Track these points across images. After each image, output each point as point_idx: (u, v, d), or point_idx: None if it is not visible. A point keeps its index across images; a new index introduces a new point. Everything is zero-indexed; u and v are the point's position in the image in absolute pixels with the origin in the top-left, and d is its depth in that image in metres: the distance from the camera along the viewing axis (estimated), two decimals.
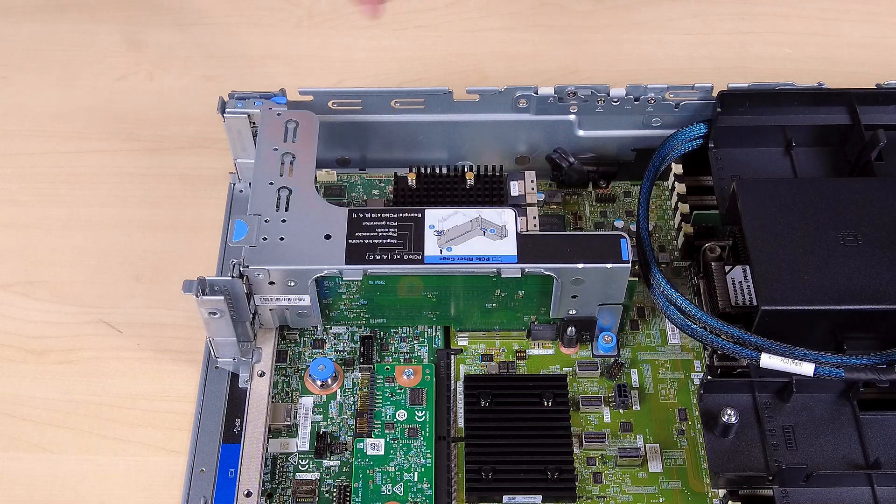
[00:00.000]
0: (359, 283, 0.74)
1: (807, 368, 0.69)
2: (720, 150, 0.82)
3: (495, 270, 0.72)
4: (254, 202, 0.75)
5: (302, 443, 0.75)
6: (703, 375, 0.73)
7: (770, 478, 0.68)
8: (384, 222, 0.74)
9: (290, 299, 0.75)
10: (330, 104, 0.82)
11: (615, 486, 0.73)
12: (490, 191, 0.83)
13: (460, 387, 0.77)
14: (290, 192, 0.75)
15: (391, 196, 0.85)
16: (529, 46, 1.00)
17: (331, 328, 0.80)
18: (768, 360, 0.69)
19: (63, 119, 0.94)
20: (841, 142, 0.82)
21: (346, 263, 0.72)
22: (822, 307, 0.69)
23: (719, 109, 0.80)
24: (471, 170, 0.84)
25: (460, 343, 0.80)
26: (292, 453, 0.74)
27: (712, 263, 0.76)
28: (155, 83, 0.97)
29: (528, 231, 0.75)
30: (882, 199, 0.74)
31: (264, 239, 0.73)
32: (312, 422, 0.76)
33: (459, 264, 0.72)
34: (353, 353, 0.79)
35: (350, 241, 0.73)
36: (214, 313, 0.71)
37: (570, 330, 0.77)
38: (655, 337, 0.80)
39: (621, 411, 0.76)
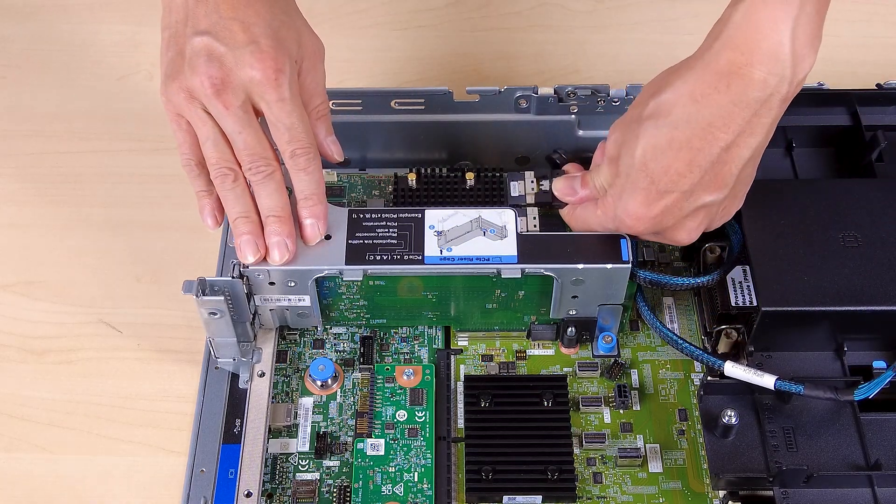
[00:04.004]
0: (359, 284, 0.74)
1: (767, 381, 0.69)
2: None
3: (495, 271, 0.72)
4: None
5: (302, 443, 0.75)
6: (703, 376, 0.73)
7: (770, 479, 0.68)
8: (384, 222, 0.74)
9: (290, 299, 0.75)
10: (330, 104, 0.82)
11: (615, 486, 0.73)
12: (490, 191, 0.83)
13: (460, 387, 0.77)
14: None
15: (392, 196, 0.85)
16: (529, 46, 1.00)
17: (331, 328, 0.80)
18: (731, 370, 0.70)
19: (63, 119, 0.94)
20: (841, 142, 0.82)
21: (347, 264, 0.72)
22: (823, 308, 0.69)
23: None
24: (471, 170, 0.84)
25: (460, 343, 0.80)
26: (292, 453, 0.74)
27: (712, 263, 0.76)
28: (155, 83, 0.96)
29: (528, 231, 0.75)
30: (882, 199, 0.74)
31: None
32: (312, 422, 0.76)
33: (459, 265, 0.72)
34: (353, 353, 0.79)
35: (350, 241, 0.73)
36: (214, 314, 0.71)
37: (570, 330, 0.77)
38: (655, 337, 0.80)
39: (621, 411, 0.76)
